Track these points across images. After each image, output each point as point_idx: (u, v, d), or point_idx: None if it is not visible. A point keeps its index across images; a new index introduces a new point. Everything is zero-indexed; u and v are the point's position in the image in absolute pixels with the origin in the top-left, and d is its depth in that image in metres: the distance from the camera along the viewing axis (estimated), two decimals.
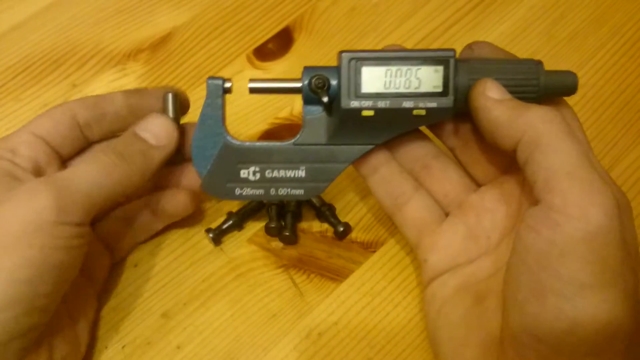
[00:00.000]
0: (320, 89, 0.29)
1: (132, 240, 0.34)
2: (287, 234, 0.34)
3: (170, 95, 0.32)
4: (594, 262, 0.23)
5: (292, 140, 0.30)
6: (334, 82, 0.29)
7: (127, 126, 0.32)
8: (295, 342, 0.32)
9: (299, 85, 0.30)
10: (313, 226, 0.36)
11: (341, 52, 0.28)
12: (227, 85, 0.30)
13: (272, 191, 0.31)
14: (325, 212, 0.35)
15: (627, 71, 0.40)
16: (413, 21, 0.43)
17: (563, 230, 0.23)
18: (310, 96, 0.29)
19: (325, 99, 0.29)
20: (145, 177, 0.30)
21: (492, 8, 0.43)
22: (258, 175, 0.31)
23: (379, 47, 0.42)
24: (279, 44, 0.42)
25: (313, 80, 0.29)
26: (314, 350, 0.32)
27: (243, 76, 0.41)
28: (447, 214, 0.32)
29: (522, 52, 0.41)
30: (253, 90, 0.30)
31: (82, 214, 0.27)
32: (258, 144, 0.31)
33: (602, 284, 0.23)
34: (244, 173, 0.31)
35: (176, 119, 0.32)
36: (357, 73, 0.28)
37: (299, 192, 0.31)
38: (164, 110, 0.32)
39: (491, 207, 0.30)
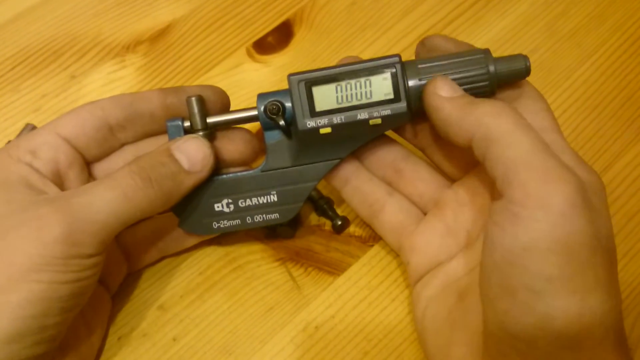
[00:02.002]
0: (276, 114, 0.29)
1: (157, 253, 0.33)
2: (285, 227, 0.34)
3: (193, 100, 0.30)
4: (559, 252, 0.22)
5: (259, 168, 0.31)
6: (289, 105, 0.29)
7: (162, 128, 0.30)
8: (292, 335, 0.32)
9: (255, 113, 0.30)
10: (311, 220, 0.36)
11: (289, 75, 0.29)
12: (187, 124, 0.30)
13: (249, 219, 0.31)
14: (323, 205, 0.35)
15: (629, 68, 0.40)
16: (414, 15, 0.42)
17: (525, 223, 0.23)
18: (268, 122, 0.30)
19: (282, 123, 0.29)
20: (170, 203, 0.29)
21: (494, 3, 0.43)
22: (232, 207, 0.31)
23: (379, 41, 0.42)
24: (279, 37, 0.42)
25: (268, 106, 0.29)
26: (311, 343, 0.32)
27: (242, 69, 0.41)
28: (426, 214, 0.32)
29: (523, 47, 0.41)
30: (212, 126, 0.30)
31: (96, 245, 0.26)
32: (226, 176, 0.31)
33: (570, 275, 0.22)
34: (218, 207, 0.31)
35: (202, 125, 0.30)
36: (308, 94, 0.28)
37: (275, 216, 0.31)
38: (189, 116, 0.30)
39: (467, 201, 0.30)
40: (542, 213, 0.23)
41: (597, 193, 0.25)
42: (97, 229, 0.26)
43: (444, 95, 0.27)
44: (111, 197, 0.26)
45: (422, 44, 0.30)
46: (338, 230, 0.35)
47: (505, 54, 0.37)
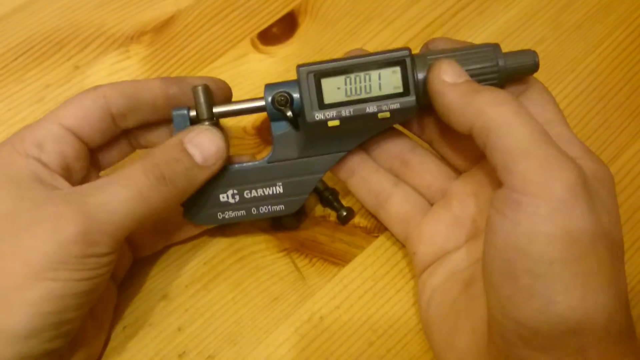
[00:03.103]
0: (284, 106, 0.29)
1: (162, 242, 0.33)
2: (290, 218, 0.34)
3: (199, 89, 0.29)
4: (560, 237, 0.22)
5: (266, 159, 0.30)
6: (296, 96, 0.29)
7: (163, 117, 0.30)
8: (296, 325, 0.32)
9: (262, 104, 0.29)
10: (316, 210, 0.36)
11: (298, 66, 0.28)
12: (193, 114, 0.30)
13: (254, 210, 0.31)
14: (329, 196, 0.35)
15: (634, 59, 0.40)
16: (419, 7, 0.42)
17: (526, 210, 0.23)
18: (275, 113, 0.29)
19: (290, 114, 0.29)
20: (183, 199, 0.28)
21: None
22: (237, 198, 0.31)
23: (385, 32, 0.42)
24: (284, 28, 0.42)
25: (275, 97, 0.29)
26: (316, 333, 0.32)
27: (247, 60, 0.41)
28: (432, 205, 0.32)
29: (528, 39, 0.41)
30: (218, 115, 0.30)
31: (112, 244, 0.26)
32: (231, 166, 0.31)
33: (572, 259, 0.22)
34: (223, 197, 0.31)
35: (208, 115, 0.30)
36: (317, 86, 0.28)
37: (280, 207, 0.31)
38: (195, 106, 0.30)
39: (474, 191, 0.30)
40: (542, 200, 0.23)
41: (604, 183, 0.25)
42: (113, 228, 0.26)
43: (448, 81, 0.27)
44: (127, 196, 0.26)
45: (427, 47, 0.31)
46: (343, 221, 0.35)
47: (511, 45, 0.37)
